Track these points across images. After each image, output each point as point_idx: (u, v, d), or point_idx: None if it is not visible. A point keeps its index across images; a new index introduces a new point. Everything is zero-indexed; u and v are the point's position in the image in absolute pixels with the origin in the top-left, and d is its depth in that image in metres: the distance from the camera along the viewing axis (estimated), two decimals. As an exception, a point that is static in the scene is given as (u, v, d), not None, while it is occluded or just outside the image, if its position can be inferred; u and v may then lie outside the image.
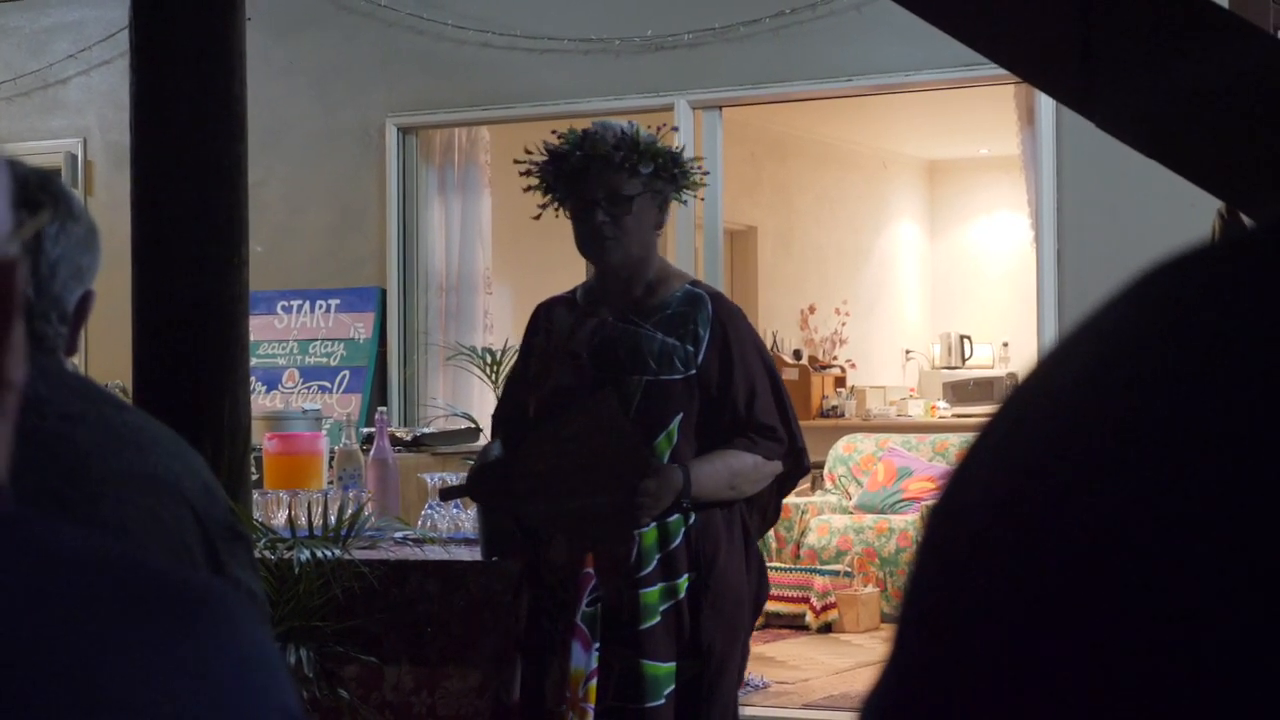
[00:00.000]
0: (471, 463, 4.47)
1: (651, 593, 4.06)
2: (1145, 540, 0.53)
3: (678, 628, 4.07)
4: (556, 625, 4.10)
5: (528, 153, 4.26)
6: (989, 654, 0.55)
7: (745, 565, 4.18)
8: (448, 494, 4.57)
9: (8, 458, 0.95)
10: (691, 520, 4.09)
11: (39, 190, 2.11)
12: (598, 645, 4.03)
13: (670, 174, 4.18)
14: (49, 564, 0.87)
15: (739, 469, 4.10)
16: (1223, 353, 0.54)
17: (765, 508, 4.28)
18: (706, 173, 4.39)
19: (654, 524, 4.07)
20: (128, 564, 0.90)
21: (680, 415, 4.09)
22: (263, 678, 0.90)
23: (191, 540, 2.09)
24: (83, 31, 9.97)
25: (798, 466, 4.24)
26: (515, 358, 4.59)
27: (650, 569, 4.06)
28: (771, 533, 10.48)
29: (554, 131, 4.27)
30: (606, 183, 4.12)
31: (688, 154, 4.35)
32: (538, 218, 4.39)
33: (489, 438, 4.49)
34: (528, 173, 4.25)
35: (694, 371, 4.10)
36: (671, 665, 4.06)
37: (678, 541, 4.08)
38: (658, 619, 4.05)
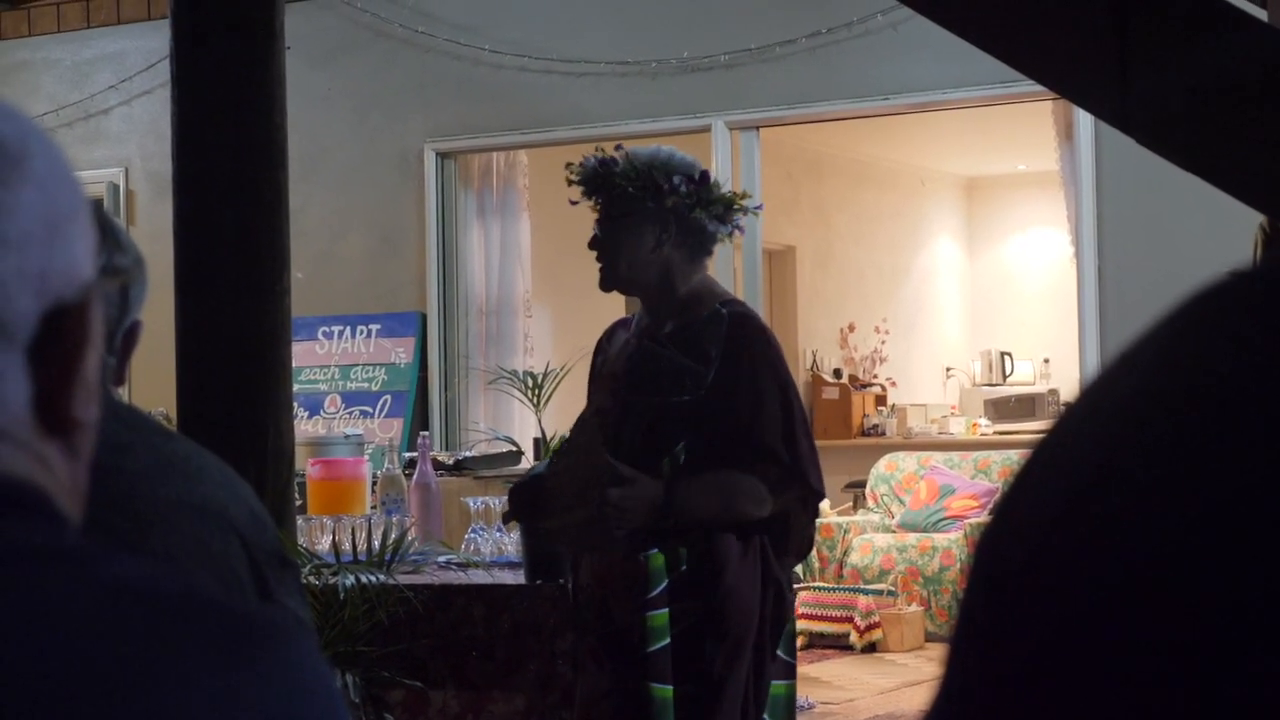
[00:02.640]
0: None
1: (659, 615, 4.06)
2: (1199, 566, 0.53)
3: (685, 651, 4.07)
4: (581, 644, 4.16)
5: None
6: (1040, 676, 0.55)
7: (760, 590, 4.12)
8: (507, 517, 4.64)
9: (82, 496, 0.96)
10: (702, 545, 4.08)
11: (99, 231, 2.12)
12: (609, 666, 4.09)
13: (637, 191, 4.19)
14: (112, 595, 0.88)
15: (731, 489, 4.04)
16: (1273, 376, 0.55)
17: (799, 542, 4.21)
18: (701, 183, 4.30)
19: (658, 548, 4.08)
20: (188, 595, 0.91)
21: (686, 438, 4.08)
22: (320, 706, 0.91)
23: (240, 569, 2.09)
24: (124, 62, 10.03)
25: (806, 491, 4.13)
26: (559, 381, 4.66)
27: (658, 591, 4.07)
28: (814, 552, 10.47)
29: (566, 165, 4.38)
30: (600, 211, 4.26)
31: (722, 176, 4.37)
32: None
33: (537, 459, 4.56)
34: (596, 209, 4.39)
35: (702, 393, 4.10)
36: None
37: (686, 565, 4.08)
38: (666, 641, 4.06)
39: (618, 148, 4.33)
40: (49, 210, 0.94)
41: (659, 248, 4.20)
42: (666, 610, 4.06)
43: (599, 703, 4.12)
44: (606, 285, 4.29)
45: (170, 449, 2.12)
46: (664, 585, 4.07)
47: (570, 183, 4.33)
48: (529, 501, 4.28)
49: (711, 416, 4.07)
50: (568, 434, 4.33)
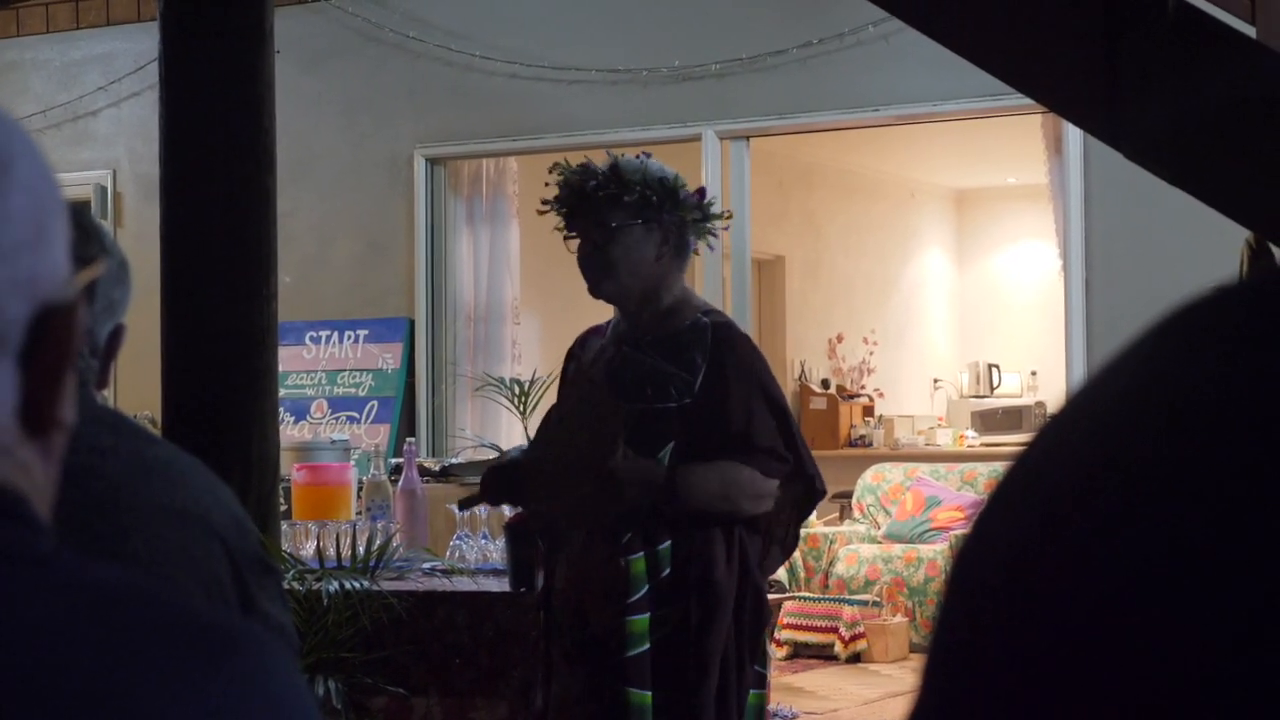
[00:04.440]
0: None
1: (640, 620, 4.07)
2: (1175, 583, 0.53)
3: (666, 657, 4.08)
4: (553, 649, 4.16)
5: (544, 202, 4.36)
6: (1017, 689, 0.55)
7: (740, 593, 4.15)
8: (466, 503, 4.60)
9: (52, 498, 0.96)
10: (683, 548, 4.09)
11: (72, 225, 2.12)
12: (587, 671, 4.10)
13: (658, 201, 4.20)
14: (86, 602, 0.88)
15: (732, 479, 4.08)
16: (1256, 392, 0.54)
17: (784, 538, 4.27)
18: (710, 201, 4.37)
19: (643, 552, 4.08)
20: (162, 603, 0.91)
21: (673, 444, 4.10)
22: (293, 717, 0.90)
23: (222, 574, 2.09)
24: (112, 64, 10.02)
25: (810, 490, 4.22)
26: (546, 388, 4.68)
27: (639, 596, 4.08)
28: (800, 562, 10.48)
29: (549, 169, 4.37)
30: (592, 215, 4.22)
31: (712, 185, 4.37)
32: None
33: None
34: (545, 212, 4.36)
35: (689, 400, 4.12)
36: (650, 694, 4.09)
37: (668, 570, 4.09)
38: (645, 647, 4.07)
39: (615, 157, 4.32)
40: (37, 214, 0.93)
41: (660, 258, 4.22)
42: (648, 615, 4.07)
43: (571, 708, 4.12)
44: (604, 291, 4.27)
45: (152, 454, 2.11)
46: (645, 590, 4.08)
47: (567, 183, 4.28)
48: (505, 485, 4.29)
49: (701, 422, 4.11)
50: (554, 418, 4.33)
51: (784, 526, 4.25)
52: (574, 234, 4.29)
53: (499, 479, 4.33)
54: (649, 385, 4.15)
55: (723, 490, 4.08)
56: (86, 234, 2.14)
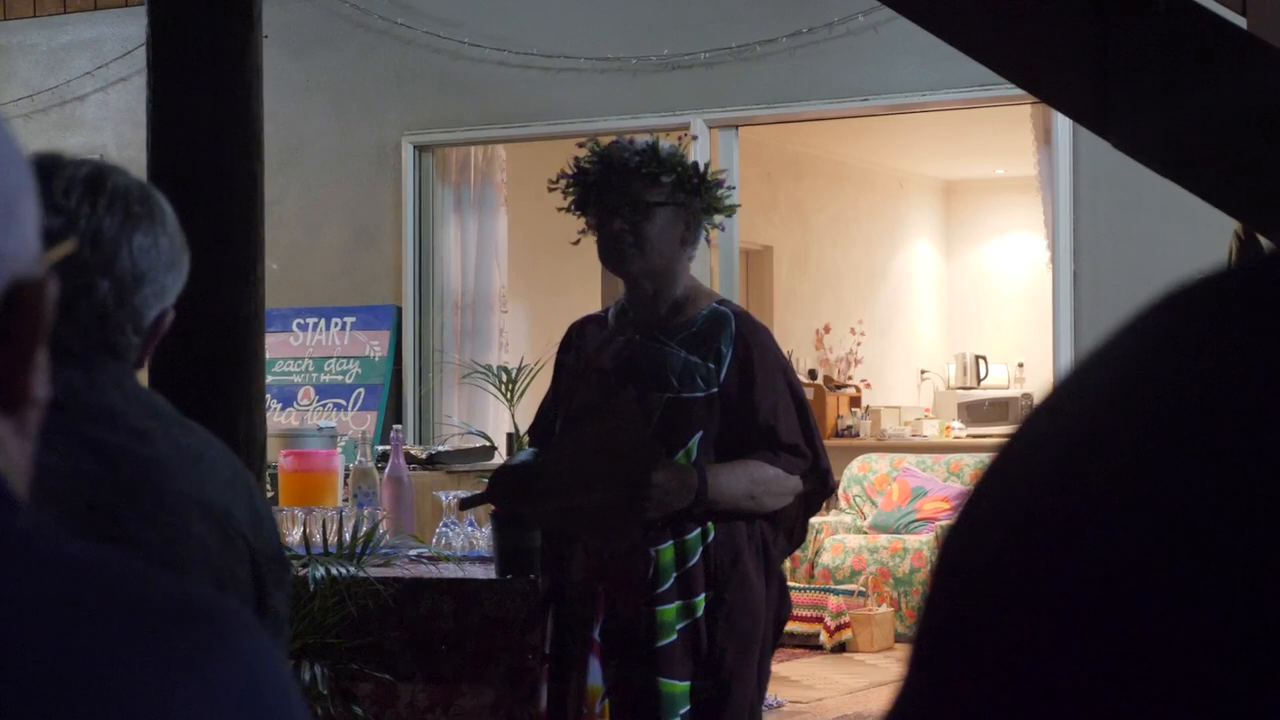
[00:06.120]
0: (487, 480, 4.48)
1: (668, 610, 4.07)
2: (1161, 568, 0.53)
3: (694, 646, 4.08)
4: (575, 641, 4.13)
5: (562, 174, 4.29)
6: (1003, 677, 0.55)
7: (765, 584, 4.18)
8: (467, 503, 4.57)
9: (29, 475, 0.96)
10: (710, 538, 4.10)
11: (137, 203, 2.12)
12: (614, 662, 4.07)
13: (692, 186, 4.20)
14: (64, 582, 0.88)
15: (759, 478, 4.10)
16: (1242, 379, 0.54)
17: (791, 529, 4.28)
18: (732, 187, 4.40)
19: (671, 541, 4.08)
20: (140, 581, 0.91)
21: (700, 433, 4.11)
22: (274, 698, 0.90)
23: (238, 568, 2.10)
24: (100, 49, 10.01)
25: (823, 486, 4.24)
26: (533, 376, 4.66)
27: (667, 586, 4.07)
28: (786, 552, 10.50)
29: (579, 144, 4.33)
30: (626, 191, 4.17)
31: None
32: (577, 243, 4.39)
33: (511, 454, 4.52)
34: (558, 189, 4.28)
35: (715, 389, 4.12)
36: (687, 684, 4.07)
37: (695, 559, 4.09)
38: (674, 636, 4.07)
39: (653, 138, 4.31)
40: (6, 191, 0.93)
41: (683, 243, 4.22)
42: (676, 604, 4.07)
43: (597, 702, 4.09)
44: (632, 269, 4.20)
45: (187, 442, 2.12)
46: (673, 579, 4.08)
47: (604, 158, 4.22)
48: (516, 488, 4.24)
49: (728, 412, 4.11)
50: (558, 416, 4.29)
51: (792, 519, 4.26)
52: (585, 213, 4.24)
53: (509, 481, 4.28)
54: (674, 374, 4.13)
55: (750, 489, 4.11)
56: (151, 214, 2.13)
